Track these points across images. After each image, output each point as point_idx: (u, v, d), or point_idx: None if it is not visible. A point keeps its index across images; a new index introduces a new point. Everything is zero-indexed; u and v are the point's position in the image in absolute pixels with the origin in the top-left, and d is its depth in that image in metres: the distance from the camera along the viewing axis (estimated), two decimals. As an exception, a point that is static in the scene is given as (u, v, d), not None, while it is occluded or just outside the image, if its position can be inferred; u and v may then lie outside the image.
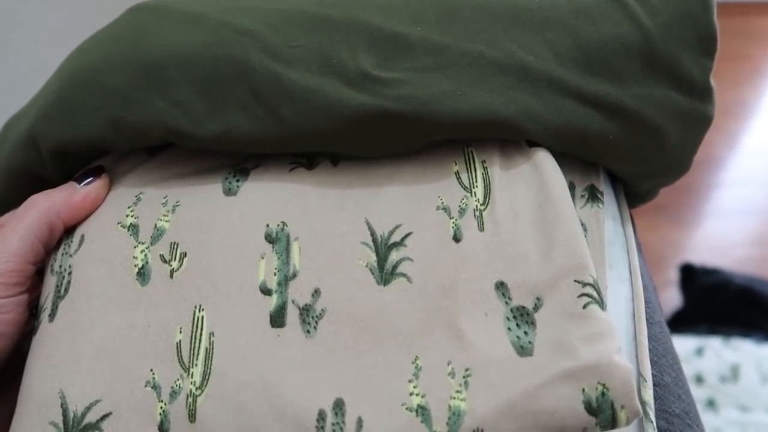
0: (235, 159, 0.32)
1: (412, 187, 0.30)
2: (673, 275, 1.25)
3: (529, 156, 0.30)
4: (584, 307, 0.25)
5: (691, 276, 1.16)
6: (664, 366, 0.30)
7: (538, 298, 0.26)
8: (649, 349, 0.29)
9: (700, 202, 1.47)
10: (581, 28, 0.30)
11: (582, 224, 0.30)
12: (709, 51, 0.31)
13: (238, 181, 0.31)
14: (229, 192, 0.31)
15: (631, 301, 0.30)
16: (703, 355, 0.96)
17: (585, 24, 0.30)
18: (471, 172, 0.30)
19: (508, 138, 0.30)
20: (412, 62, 0.29)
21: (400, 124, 0.29)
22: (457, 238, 0.28)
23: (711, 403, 0.90)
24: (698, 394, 0.92)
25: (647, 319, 0.30)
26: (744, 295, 1.06)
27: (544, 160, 0.29)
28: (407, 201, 0.30)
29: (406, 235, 0.28)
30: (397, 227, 0.29)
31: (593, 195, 0.31)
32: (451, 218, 0.29)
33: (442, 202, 0.29)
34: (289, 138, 0.30)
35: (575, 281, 0.26)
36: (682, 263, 1.19)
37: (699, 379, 0.93)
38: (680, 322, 1.12)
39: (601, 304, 0.25)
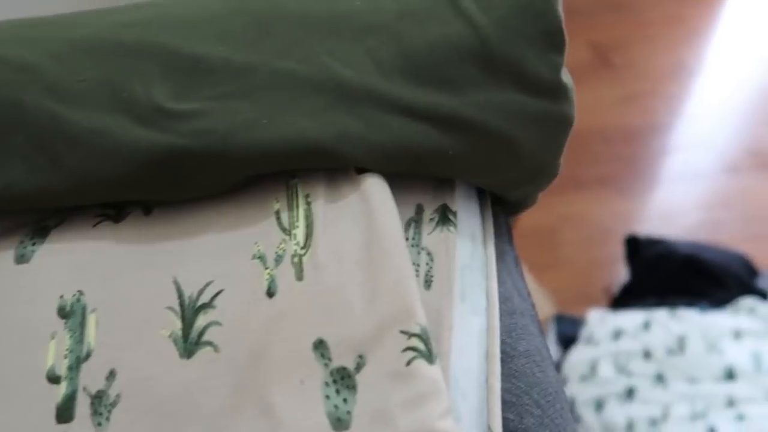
0: (37, 215, 0.28)
1: (229, 234, 0.27)
2: (621, 249, 1.23)
3: (357, 185, 0.27)
4: (408, 363, 0.22)
5: (636, 248, 1.14)
6: (527, 405, 0.26)
7: (360, 356, 0.23)
8: (508, 389, 0.26)
9: (645, 171, 1.46)
10: (406, 33, 0.27)
11: (428, 253, 0.27)
12: (556, 45, 0.28)
13: (34, 244, 0.27)
14: (21, 259, 0.27)
15: (485, 335, 0.27)
16: (650, 329, 0.94)
17: (411, 27, 0.27)
18: (293, 209, 0.27)
19: (328, 166, 0.27)
20: (213, 89, 0.25)
21: (199, 162, 0.25)
22: (270, 293, 0.25)
23: (660, 378, 0.89)
24: (647, 369, 0.90)
25: (508, 352, 0.27)
26: (689, 263, 1.05)
27: (373, 187, 0.26)
28: (222, 252, 0.26)
29: (217, 294, 0.25)
30: (207, 285, 0.26)
31: (444, 217, 0.28)
32: (266, 269, 0.26)
33: (259, 250, 0.26)
34: (78, 189, 0.26)
35: (401, 332, 0.23)
36: (627, 235, 1.17)
37: (647, 355, 0.91)
38: (628, 296, 1.10)
39: (429, 356, 0.22)
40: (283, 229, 0.27)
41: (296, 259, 0.26)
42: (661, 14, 1.89)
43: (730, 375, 0.86)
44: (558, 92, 0.28)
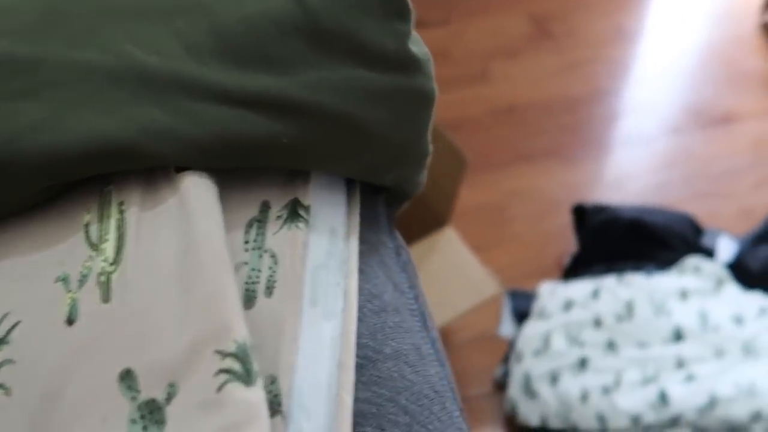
0: None
1: (33, 255, 0.24)
2: (570, 216, 1.23)
3: (175, 186, 0.24)
4: (220, 388, 0.19)
5: (583, 217, 1.14)
6: (390, 414, 0.24)
7: (172, 384, 0.20)
8: (368, 398, 0.23)
9: (591, 139, 1.46)
10: (220, 10, 0.24)
11: (272, 255, 0.24)
12: (400, 12, 0.25)
13: None
14: None
15: (338, 341, 0.24)
16: (599, 297, 0.94)
17: (225, 3, 0.24)
18: (104, 221, 0.24)
19: (138, 167, 0.24)
20: None
21: None
22: (71, 320, 0.22)
23: (611, 345, 0.88)
24: (598, 338, 0.90)
25: (371, 356, 0.24)
26: (633, 227, 1.05)
27: (192, 188, 0.23)
28: (23, 277, 0.23)
29: (13, 327, 0.22)
30: (4, 317, 0.22)
31: (293, 213, 0.25)
32: (68, 292, 0.22)
33: (63, 271, 0.23)
34: None
35: (215, 352, 0.20)
36: (574, 204, 1.17)
37: (597, 323, 0.91)
38: (579, 267, 1.10)
39: (247, 377, 0.20)
40: (91, 245, 0.23)
41: (103, 278, 0.22)
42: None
43: (678, 336, 0.86)
44: (407, 64, 0.26)
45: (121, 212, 0.24)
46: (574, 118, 1.49)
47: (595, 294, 0.95)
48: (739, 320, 0.86)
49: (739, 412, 0.74)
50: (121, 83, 0.23)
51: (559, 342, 0.92)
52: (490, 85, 1.61)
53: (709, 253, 1.05)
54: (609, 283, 0.95)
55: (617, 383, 0.83)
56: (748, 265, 1.01)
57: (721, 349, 0.83)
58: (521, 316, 1.10)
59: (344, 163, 0.27)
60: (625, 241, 1.05)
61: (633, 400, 0.80)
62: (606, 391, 0.83)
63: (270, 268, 0.23)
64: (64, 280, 0.23)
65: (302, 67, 0.24)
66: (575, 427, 0.84)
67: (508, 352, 1.06)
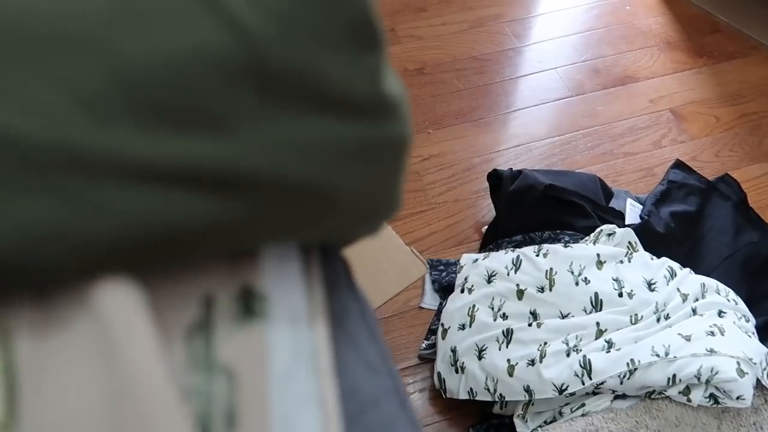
0: None
1: None
2: (486, 184, 1.23)
3: (83, 302, 0.17)
4: None
5: (499, 182, 1.14)
6: None
7: None
8: None
9: (498, 100, 1.46)
10: (127, 45, 0.17)
11: (228, 372, 0.19)
12: (369, 42, 0.19)
13: None
14: None
15: None
16: (520, 268, 0.95)
17: (136, 37, 0.16)
18: None
19: (19, 288, 0.17)
20: None
21: None
22: None
23: (534, 316, 0.90)
24: (521, 309, 0.91)
25: None
26: (548, 194, 1.06)
27: (110, 303, 0.17)
28: None
29: None
30: None
31: (248, 306, 0.20)
32: None
33: None
34: None
35: None
36: (490, 171, 1.17)
37: (520, 294, 0.92)
38: (496, 233, 1.10)
39: None
40: None
41: None
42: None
43: (596, 304, 0.88)
44: (381, 109, 0.20)
45: (8, 349, 0.17)
46: (480, 79, 1.49)
47: (516, 264, 0.96)
48: (650, 285, 0.90)
49: (657, 377, 0.77)
50: None
51: (483, 314, 0.93)
52: (399, 44, 1.57)
53: (619, 216, 1.09)
54: (529, 252, 0.97)
55: (542, 354, 0.85)
56: (654, 226, 1.06)
57: (636, 315, 0.86)
58: (444, 286, 1.10)
59: (304, 233, 0.21)
60: (540, 208, 1.06)
61: (557, 370, 0.82)
62: (531, 362, 0.85)
63: (225, 392, 0.18)
64: None
65: (250, 123, 0.18)
66: (503, 399, 0.86)
67: (432, 324, 1.06)
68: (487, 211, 1.23)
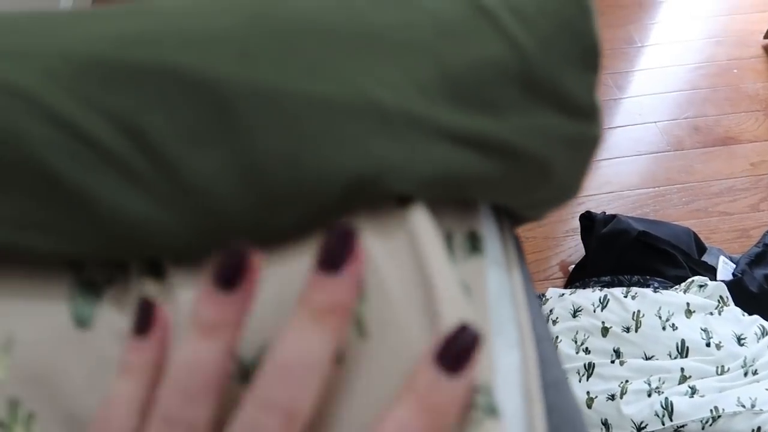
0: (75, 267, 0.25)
1: (283, 288, 0.23)
2: (575, 224, 1.26)
3: (401, 218, 0.24)
4: (473, 422, 0.20)
5: (591, 225, 1.17)
6: None
7: None
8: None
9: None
10: (447, 52, 0.24)
11: (464, 285, 0.25)
12: (593, 65, 0.26)
13: (89, 304, 0.24)
14: (81, 323, 0.24)
15: (522, 371, 0.26)
16: (607, 306, 0.97)
17: (450, 46, 0.24)
18: None
19: (370, 200, 0.24)
20: (240, 120, 0.22)
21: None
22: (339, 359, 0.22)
23: (617, 354, 0.92)
24: (604, 345, 0.93)
25: (540, 385, 0.26)
26: (642, 241, 1.08)
27: (422, 224, 0.24)
28: (280, 310, 0.23)
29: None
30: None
31: (473, 244, 0.26)
32: None
33: None
34: (107, 247, 0.23)
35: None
36: (582, 212, 1.20)
37: (604, 331, 0.94)
38: (584, 273, 1.13)
39: (494, 411, 0.20)
40: None
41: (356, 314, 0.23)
42: (610, -10, 1.92)
43: (682, 350, 0.90)
44: (592, 113, 0.27)
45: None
46: (581, 125, 1.52)
47: (603, 303, 0.98)
48: (740, 340, 0.90)
49: (741, 427, 0.78)
50: (360, 118, 0.23)
51: (566, 346, 0.95)
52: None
53: (710, 270, 1.10)
54: (617, 293, 0.99)
55: (623, 391, 0.86)
56: (747, 285, 1.06)
57: (722, 366, 0.87)
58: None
59: (522, 198, 0.28)
60: (632, 253, 1.08)
61: (638, 408, 0.84)
62: (611, 397, 0.87)
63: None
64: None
65: (514, 111, 0.25)
66: (578, 430, 0.88)
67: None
68: (574, 251, 1.26)
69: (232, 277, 0.20)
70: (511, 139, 0.25)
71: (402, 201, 0.25)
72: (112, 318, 0.24)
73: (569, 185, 0.30)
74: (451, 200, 0.27)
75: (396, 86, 0.24)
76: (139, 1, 0.26)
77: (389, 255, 0.24)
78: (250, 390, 0.20)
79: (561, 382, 0.28)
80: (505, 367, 0.25)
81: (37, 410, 0.23)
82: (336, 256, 0.20)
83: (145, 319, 0.22)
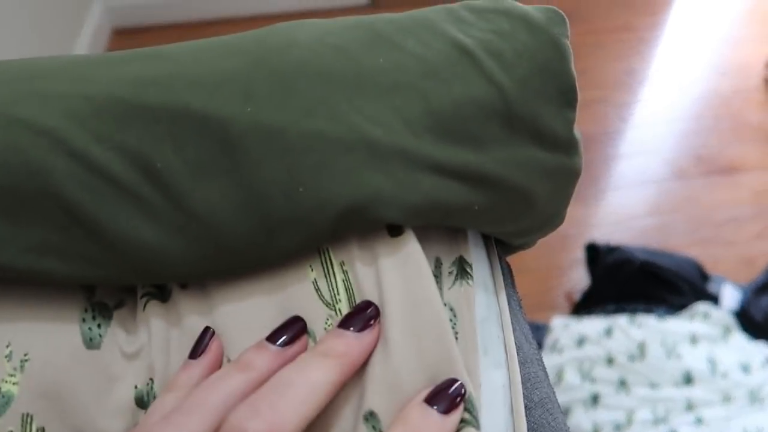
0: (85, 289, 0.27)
1: (266, 306, 0.26)
2: (580, 254, 1.27)
3: (391, 246, 0.26)
4: None
5: (595, 255, 1.18)
6: None
7: None
8: None
9: (599, 177, 1.50)
10: (432, 91, 0.27)
11: (451, 309, 0.27)
12: (570, 102, 0.29)
13: (99, 326, 0.26)
14: (91, 343, 0.26)
15: (509, 389, 0.27)
16: (612, 336, 0.98)
17: (436, 86, 0.27)
18: (330, 279, 0.26)
19: (360, 229, 0.26)
20: (244, 154, 0.25)
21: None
22: None
23: (622, 383, 0.92)
24: (610, 375, 0.93)
25: (526, 404, 0.27)
26: (645, 270, 1.09)
27: (412, 250, 0.26)
28: (264, 328, 0.26)
29: None
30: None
31: (462, 270, 0.28)
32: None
33: (309, 328, 0.25)
34: (121, 275, 0.25)
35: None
36: (587, 242, 1.21)
37: (610, 361, 0.94)
38: (589, 302, 1.13)
39: (476, 422, 0.23)
40: (326, 303, 0.26)
41: None
42: (611, 23, 1.96)
43: (688, 379, 0.90)
44: (571, 147, 0.29)
45: (345, 273, 0.26)
46: (585, 156, 1.54)
47: (608, 332, 0.99)
48: (745, 368, 0.90)
49: (748, 457, 0.77)
50: (353, 151, 0.25)
51: (571, 376, 0.96)
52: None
53: (714, 299, 1.10)
54: (622, 322, 0.99)
55: (629, 421, 0.86)
56: (752, 314, 1.06)
57: (728, 395, 0.87)
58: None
59: (507, 227, 0.30)
60: (636, 282, 1.09)
61: (644, 438, 0.84)
62: (618, 427, 0.86)
63: (451, 320, 0.26)
64: (311, 335, 0.26)
65: (495, 145, 0.27)
66: (585, 461, 0.87)
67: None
68: (578, 281, 1.26)
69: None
70: (494, 171, 0.27)
71: (393, 229, 0.27)
72: (119, 339, 0.26)
73: (552, 214, 0.32)
74: (441, 228, 0.28)
75: (386, 123, 0.26)
76: (151, 47, 0.28)
77: (376, 279, 0.26)
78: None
79: (549, 400, 0.29)
80: (491, 385, 0.26)
81: (47, 425, 0.24)
82: (362, 319, 0.25)
83: (200, 345, 0.25)
